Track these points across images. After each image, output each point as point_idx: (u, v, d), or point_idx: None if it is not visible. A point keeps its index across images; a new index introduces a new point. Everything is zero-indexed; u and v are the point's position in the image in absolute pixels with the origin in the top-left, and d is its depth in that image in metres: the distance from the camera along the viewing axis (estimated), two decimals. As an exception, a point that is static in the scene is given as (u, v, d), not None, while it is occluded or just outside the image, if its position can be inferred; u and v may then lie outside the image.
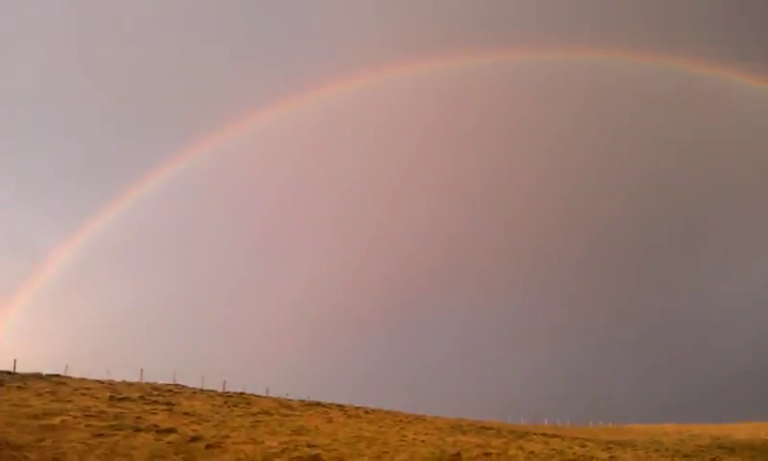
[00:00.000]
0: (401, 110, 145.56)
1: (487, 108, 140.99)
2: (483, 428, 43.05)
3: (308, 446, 21.16)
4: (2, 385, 31.79)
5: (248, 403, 40.75)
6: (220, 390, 49.87)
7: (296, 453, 18.46)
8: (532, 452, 27.77)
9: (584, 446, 34.46)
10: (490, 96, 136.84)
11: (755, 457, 39.25)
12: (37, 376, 39.65)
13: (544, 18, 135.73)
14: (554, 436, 40.14)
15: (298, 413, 38.90)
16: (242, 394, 49.50)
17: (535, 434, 40.63)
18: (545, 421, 59.73)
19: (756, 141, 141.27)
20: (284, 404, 44.16)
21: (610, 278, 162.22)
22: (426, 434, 33.15)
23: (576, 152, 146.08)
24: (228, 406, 37.03)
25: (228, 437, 21.63)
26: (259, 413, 35.39)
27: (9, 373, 40.79)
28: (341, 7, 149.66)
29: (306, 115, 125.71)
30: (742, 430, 50.76)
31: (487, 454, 25.04)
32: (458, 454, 23.14)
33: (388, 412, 53.53)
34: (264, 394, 52.29)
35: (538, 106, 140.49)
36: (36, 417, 20.51)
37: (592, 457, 29.34)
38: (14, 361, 44.25)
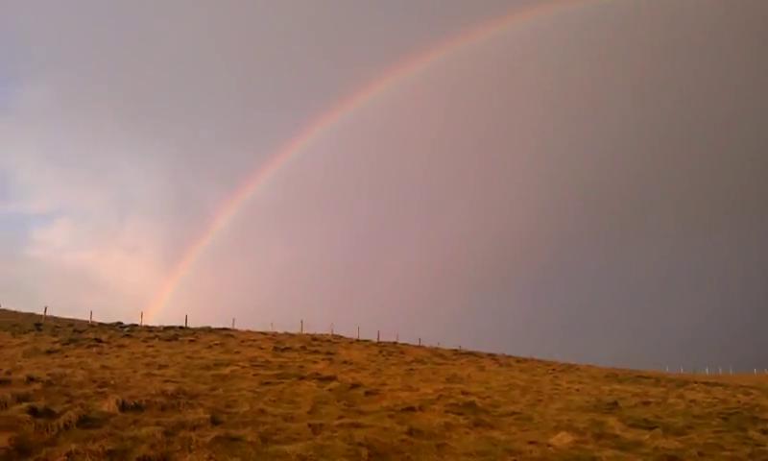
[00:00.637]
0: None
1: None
2: (640, 377, 41.33)
3: (462, 393, 21.24)
4: (176, 339, 34.79)
5: (401, 353, 41.79)
6: (375, 340, 51.54)
7: (451, 400, 18.56)
8: (693, 401, 26.20)
9: (748, 393, 32.16)
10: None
11: None
12: (207, 330, 43.00)
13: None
14: (716, 384, 37.82)
15: (450, 362, 39.34)
16: (395, 343, 50.89)
17: (696, 383, 38.46)
18: (707, 370, 56.24)
19: None
20: (437, 353, 44.84)
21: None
22: (581, 383, 32.33)
23: None
24: (384, 355, 38.14)
25: (384, 384, 22.23)
26: (413, 362, 36.15)
27: (181, 327, 44.63)
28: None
29: (444, 71, 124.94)
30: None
31: (645, 403, 23.87)
32: (615, 403, 22.22)
33: (540, 361, 52.85)
34: (417, 343, 53.44)
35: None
36: (207, 368, 22.12)
37: (758, 405, 27.20)
38: (186, 316, 48.50)
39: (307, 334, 47.31)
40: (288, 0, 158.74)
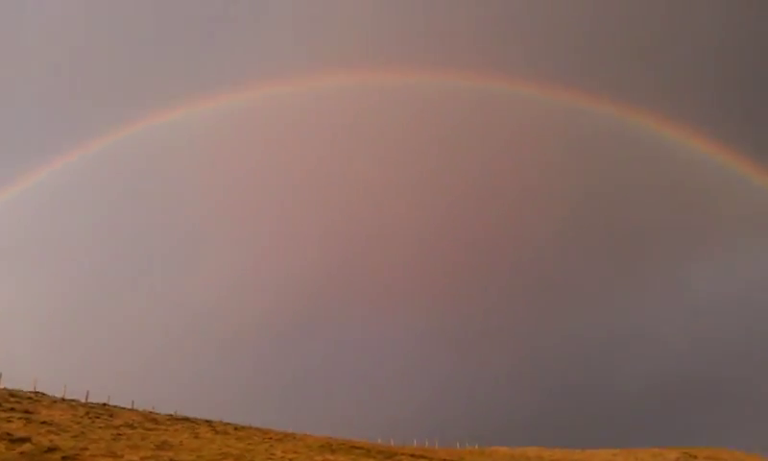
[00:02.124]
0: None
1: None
2: (353, 448, 43.78)
3: (169, 461, 21.30)
4: None
5: (111, 416, 39.71)
6: (83, 400, 48.07)
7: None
8: None
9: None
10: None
11: None
12: None
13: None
14: (421, 457, 41.63)
15: (163, 428, 38.34)
16: (105, 405, 47.97)
17: (403, 454, 41.85)
18: (414, 442, 61.46)
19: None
20: (149, 418, 43.27)
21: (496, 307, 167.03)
22: (295, 452, 33.62)
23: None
24: (90, 418, 36.02)
25: (86, 449, 21.41)
26: (122, 426, 34.70)
27: None
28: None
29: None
30: (600, 457, 54.57)
31: None
32: None
33: (258, 429, 53.34)
34: (129, 406, 50.84)
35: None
36: None
37: None
38: None
39: (4, 389, 42.68)
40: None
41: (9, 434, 21.50)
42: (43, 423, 28.63)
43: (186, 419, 49.09)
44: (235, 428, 48.73)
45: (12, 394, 40.08)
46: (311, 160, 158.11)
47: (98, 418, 36.88)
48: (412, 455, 41.65)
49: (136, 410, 49.15)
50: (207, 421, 51.30)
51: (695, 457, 55.49)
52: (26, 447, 19.27)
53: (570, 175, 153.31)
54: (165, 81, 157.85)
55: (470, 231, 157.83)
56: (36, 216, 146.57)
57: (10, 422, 26.35)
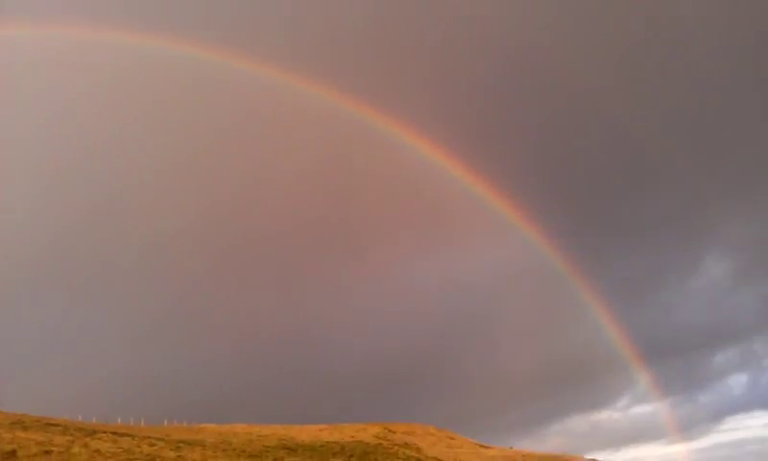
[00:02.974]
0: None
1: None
2: (49, 425, 41.49)
3: None
4: None
5: None
6: None
7: None
8: (97, 451, 29.09)
9: (153, 445, 36.88)
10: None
11: (313, 457, 45.82)
12: None
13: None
14: (125, 435, 40.67)
15: None
16: None
17: (104, 432, 40.49)
18: (119, 419, 59.19)
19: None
20: None
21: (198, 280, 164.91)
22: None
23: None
24: None
25: None
26: None
27: None
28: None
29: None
30: (307, 432, 58.65)
31: (47, 452, 25.60)
32: (14, 452, 23.50)
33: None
34: None
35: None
36: None
37: (159, 456, 31.91)
38: None
39: None
40: None
41: None
42: None
43: None
44: None
45: None
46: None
47: None
48: (114, 433, 40.73)
49: None
50: None
51: (394, 432, 62.62)
52: None
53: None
54: None
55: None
56: None
57: None
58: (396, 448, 54.00)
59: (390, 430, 63.99)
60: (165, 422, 58.17)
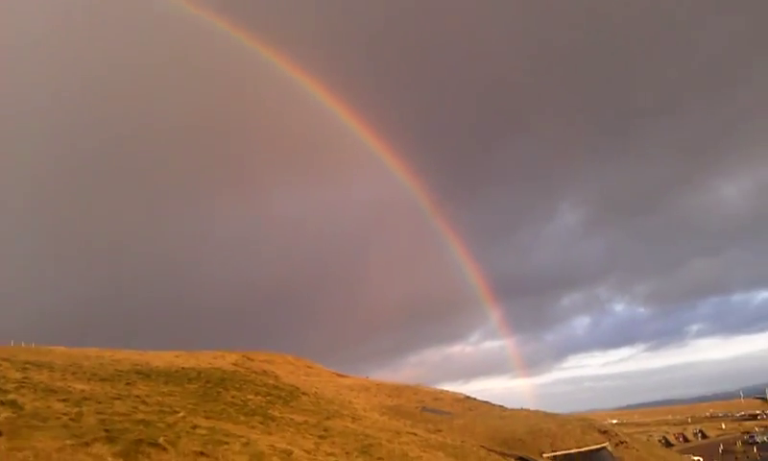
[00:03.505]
0: None
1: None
2: None
3: None
4: None
5: None
6: None
7: None
8: None
9: (-3, 363, 35.88)
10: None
11: (167, 383, 45.81)
12: None
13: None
14: None
15: None
16: None
17: None
18: None
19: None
20: None
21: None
22: None
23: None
24: None
25: None
26: None
27: None
28: None
29: None
30: (162, 358, 58.37)
31: None
32: None
33: None
34: None
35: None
36: None
37: (3, 376, 31.21)
38: None
39: None
40: None
41: None
42: None
43: None
44: None
45: None
46: None
47: None
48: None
49: None
50: None
51: (252, 360, 63.83)
52: None
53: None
54: None
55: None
56: None
57: None
58: (254, 375, 55.09)
59: (248, 358, 64.97)
60: (11, 342, 56.03)
